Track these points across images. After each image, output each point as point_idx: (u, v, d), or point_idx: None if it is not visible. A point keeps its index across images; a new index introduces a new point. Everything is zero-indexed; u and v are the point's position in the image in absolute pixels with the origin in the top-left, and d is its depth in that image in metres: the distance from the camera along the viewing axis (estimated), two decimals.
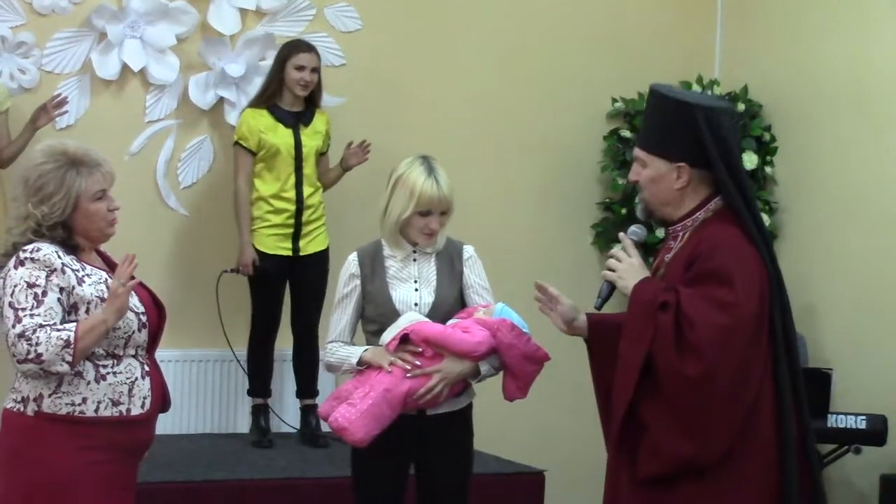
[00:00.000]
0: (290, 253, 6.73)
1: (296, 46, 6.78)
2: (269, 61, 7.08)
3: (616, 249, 4.04)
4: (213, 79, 7.02)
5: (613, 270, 3.98)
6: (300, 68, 6.71)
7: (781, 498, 3.81)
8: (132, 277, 3.98)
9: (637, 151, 4.00)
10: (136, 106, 6.98)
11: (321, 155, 6.86)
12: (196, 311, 7.03)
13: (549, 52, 7.71)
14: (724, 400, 3.74)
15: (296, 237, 6.73)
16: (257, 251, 6.69)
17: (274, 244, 6.71)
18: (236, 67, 6.99)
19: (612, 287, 4.01)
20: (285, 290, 6.80)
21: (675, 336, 3.76)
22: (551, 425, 7.57)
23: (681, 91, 4.30)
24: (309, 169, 6.75)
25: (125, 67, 6.90)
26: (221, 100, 7.05)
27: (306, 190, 6.73)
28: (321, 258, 6.78)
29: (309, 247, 6.75)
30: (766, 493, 3.81)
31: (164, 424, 6.61)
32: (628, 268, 3.96)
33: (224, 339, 7.00)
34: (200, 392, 7.09)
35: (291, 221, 6.72)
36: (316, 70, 6.75)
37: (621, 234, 4.08)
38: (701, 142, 3.85)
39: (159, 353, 4.24)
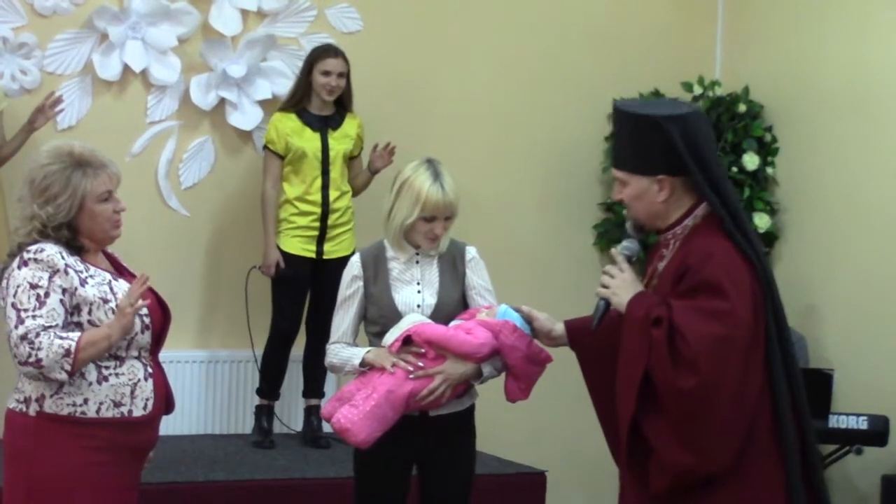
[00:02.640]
0: (313, 255, 6.72)
1: (323, 51, 6.77)
2: (270, 62, 7.09)
3: (609, 266, 4.01)
4: (215, 80, 7.01)
5: (607, 287, 3.97)
6: (326, 73, 6.71)
7: (787, 501, 3.79)
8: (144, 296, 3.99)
9: (615, 172, 3.99)
10: (138, 107, 6.97)
11: (352, 159, 6.86)
12: (196, 311, 7.04)
13: (550, 52, 7.71)
14: (724, 410, 3.71)
15: (320, 240, 6.72)
16: (282, 252, 6.70)
17: (298, 246, 6.71)
18: (237, 68, 6.99)
19: (607, 304, 3.98)
20: (307, 295, 6.80)
21: (668, 350, 3.74)
22: (552, 425, 7.57)
23: (645, 104, 4.27)
24: (336, 173, 6.74)
25: (126, 68, 6.89)
26: (223, 101, 7.04)
27: (332, 193, 6.73)
28: (344, 263, 6.73)
29: (333, 250, 6.72)
30: (770, 497, 3.80)
31: (173, 425, 6.67)
32: (621, 283, 3.93)
33: (223, 340, 7.02)
34: (203, 392, 7.08)
35: (317, 224, 6.71)
36: (343, 75, 6.74)
37: (613, 251, 4.06)
38: (676, 152, 3.82)
39: (163, 354, 4.25)
